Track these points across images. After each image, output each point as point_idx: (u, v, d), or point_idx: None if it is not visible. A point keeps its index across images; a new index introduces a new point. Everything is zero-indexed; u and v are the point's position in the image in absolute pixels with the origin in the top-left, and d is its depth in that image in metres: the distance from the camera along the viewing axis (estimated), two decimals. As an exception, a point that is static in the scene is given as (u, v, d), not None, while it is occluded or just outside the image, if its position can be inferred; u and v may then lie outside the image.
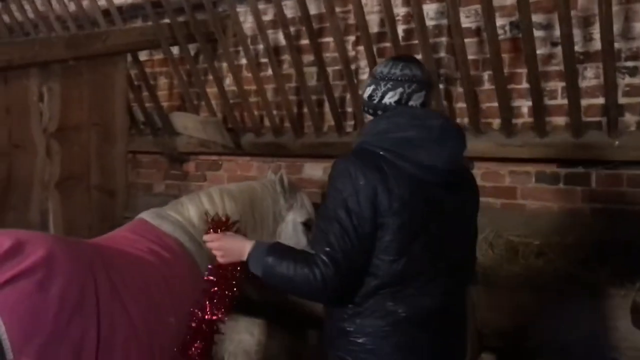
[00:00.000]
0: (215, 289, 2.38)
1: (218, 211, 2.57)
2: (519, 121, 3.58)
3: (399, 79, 1.96)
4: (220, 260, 2.09)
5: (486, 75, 3.71)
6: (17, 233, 1.94)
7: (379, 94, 1.98)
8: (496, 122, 3.62)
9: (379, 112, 1.98)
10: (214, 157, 4.72)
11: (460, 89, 3.68)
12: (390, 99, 1.96)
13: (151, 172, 5.17)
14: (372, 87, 2.00)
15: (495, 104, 3.46)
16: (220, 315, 2.37)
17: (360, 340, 1.86)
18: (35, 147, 3.32)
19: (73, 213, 3.53)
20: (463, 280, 2.03)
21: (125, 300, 2.04)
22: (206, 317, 2.35)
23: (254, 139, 4.33)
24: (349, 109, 4.11)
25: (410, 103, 1.97)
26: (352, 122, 4.06)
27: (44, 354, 1.76)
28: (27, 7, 5.10)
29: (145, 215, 2.55)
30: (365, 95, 2.02)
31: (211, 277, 2.38)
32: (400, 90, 1.96)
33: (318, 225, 1.91)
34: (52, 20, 4.97)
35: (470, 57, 3.54)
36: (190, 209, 2.58)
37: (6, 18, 5.31)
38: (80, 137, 3.58)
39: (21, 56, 3.24)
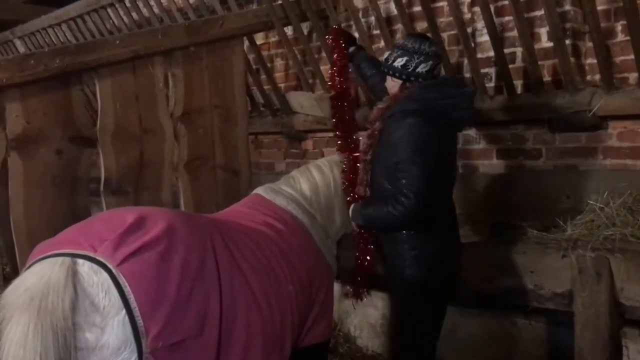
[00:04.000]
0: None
1: (330, 182, 2.60)
2: (659, 73, 3.22)
3: (429, 53, 2.61)
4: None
5: (619, 25, 3.38)
6: (140, 209, 2.06)
7: (413, 65, 2.60)
8: (633, 77, 3.30)
9: (412, 79, 2.61)
10: (330, 134, 4.74)
11: (589, 44, 3.38)
12: (423, 69, 2.60)
13: (272, 151, 5.32)
14: (406, 58, 2.60)
15: (631, 57, 3.14)
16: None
17: (428, 247, 2.60)
18: (164, 131, 3.47)
19: (201, 192, 3.69)
20: None
21: (243, 269, 2.11)
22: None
23: (369, 113, 4.27)
24: (467, 75, 3.93)
25: (434, 72, 2.64)
26: (471, 88, 3.88)
27: (171, 320, 1.85)
28: (152, 2, 5.42)
29: (260, 190, 2.63)
30: (399, 64, 2.62)
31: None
32: (430, 62, 2.61)
33: (398, 170, 2.48)
34: (174, 13, 5.24)
35: (599, 7, 3.24)
36: (302, 183, 2.63)
37: (134, 15, 5.67)
38: (203, 120, 3.71)
39: (146, 46, 3.40)
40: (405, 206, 2.45)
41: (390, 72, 2.67)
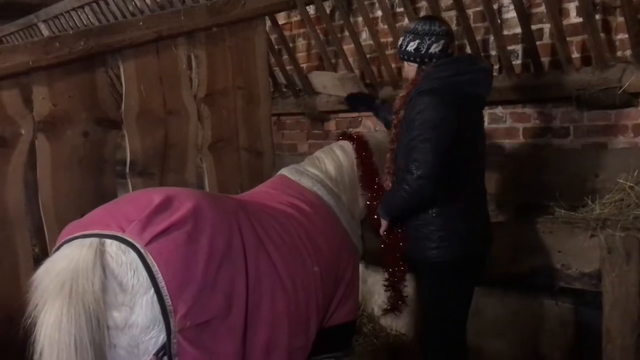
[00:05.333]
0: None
1: (353, 163, 2.59)
2: (694, 49, 3.12)
3: (440, 33, 2.61)
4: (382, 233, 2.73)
5: (653, -1, 3.27)
6: (166, 189, 2.07)
7: (425, 46, 2.62)
8: (666, 52, 3.19)
9: (426, 60, 2.63)
10: (354, 114, 4.72)
11: (620, 18, 3.29)
12: (435, 49, 2.62)
13: (295, 132, 5.31)
14: (418, 41, 2.62)
15: (665, 31, 3.05)
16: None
17: (453, 228, 2.59)
18: (188, 112, 3.46)
19: (225, 173, 3.69)
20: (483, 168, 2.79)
21: (269, 250, 2.11)
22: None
23: (392, 93, 4.24)
24: (493, 52, 3.86)
25: (448, 51, 2.64)
26: (497, 66, 3.81)
27: (199, 299, 1.87)
28: (174, -17, 5.41)
29: (285, 171, 2.63)
30: (411, 48, 2.64)
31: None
32: (442, 42, 2.61)
33: (413, 147, 2.49)
34: (196, -7, 5.22)
35: (631, -20, 3.14)
36: (327, 163, 2.63)
37: (157, -4, 5.68)
38: (227, 101, 3.70)
39: (169, 27, 3.39)
40: (409, 182, 2.47)
41: (405, 57, 2.70)
